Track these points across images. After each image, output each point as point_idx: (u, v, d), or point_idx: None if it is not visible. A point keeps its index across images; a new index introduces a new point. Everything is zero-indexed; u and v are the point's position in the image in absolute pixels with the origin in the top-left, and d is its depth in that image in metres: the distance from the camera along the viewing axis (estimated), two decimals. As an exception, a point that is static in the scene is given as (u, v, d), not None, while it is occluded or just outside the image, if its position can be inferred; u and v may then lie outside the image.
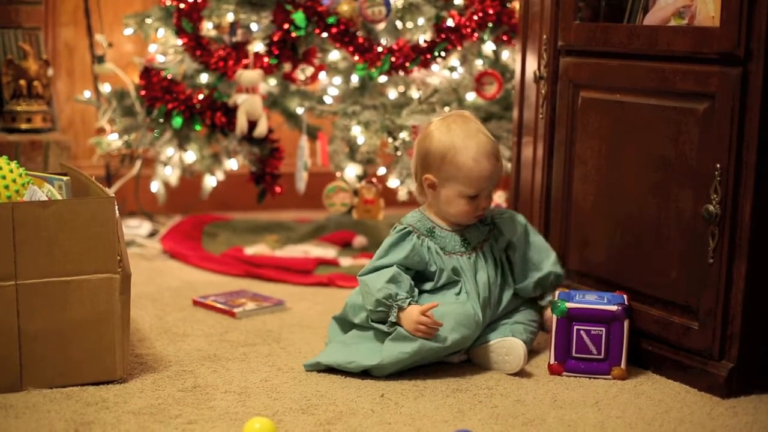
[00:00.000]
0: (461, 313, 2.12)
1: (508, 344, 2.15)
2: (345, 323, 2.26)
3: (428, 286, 2.21)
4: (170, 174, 3.36)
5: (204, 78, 3.23)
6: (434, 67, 3.14)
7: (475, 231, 2.25)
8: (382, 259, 2.18)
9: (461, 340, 2.12)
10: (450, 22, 3.11)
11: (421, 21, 3.13)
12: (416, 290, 2.17)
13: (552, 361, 2.15)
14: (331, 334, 2.29)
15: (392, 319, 2.11)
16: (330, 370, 2.14)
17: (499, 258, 2.26)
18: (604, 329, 2.12)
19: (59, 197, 2.16)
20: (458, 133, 2.17)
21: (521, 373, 2.14)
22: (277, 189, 3.27)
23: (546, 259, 2.30)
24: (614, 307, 2.12)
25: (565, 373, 2.14)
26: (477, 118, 2.27)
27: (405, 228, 2.22)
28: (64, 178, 2.22)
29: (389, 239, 2.21)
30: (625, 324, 2.11)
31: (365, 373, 2.11)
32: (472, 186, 2.16)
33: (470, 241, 2.23)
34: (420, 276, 2.21)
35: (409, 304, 2.11)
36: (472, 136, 2.17)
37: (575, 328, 2.13)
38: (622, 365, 2.12)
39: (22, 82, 3.29)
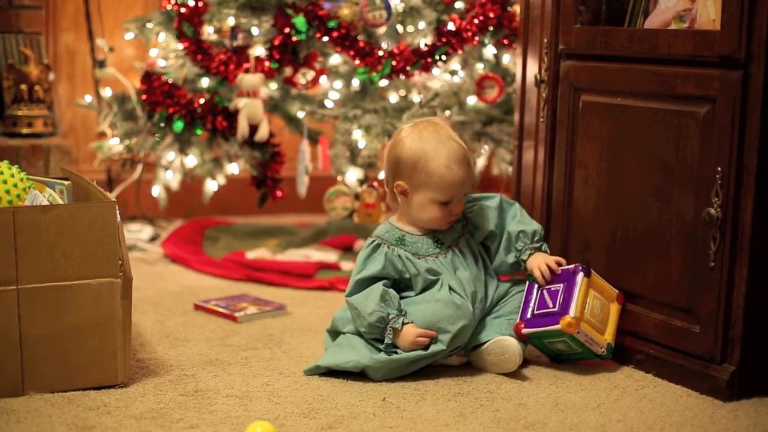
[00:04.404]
0: (448, 313, 2.12)
1: (501, 344, 2.15)
2: (337, 335, 2.26)
3: (411, 293, 2.21)
4: (171, 178, 3.36)
5: (205, 82, 3.24)
6: (435, 70, 3.14)
7: (448, 230, 2.25)
8: (361, 273, 2.18)
9: (454, 338, 2.12)
10: (451, 26, 3.11)
11: (421, 25, 3.13)
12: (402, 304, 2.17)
13: (519, 324, 2.19)
14: (327, 345, 2.29)
15: (388, 341, 2.11)
16: (331, 374, 2.14)
17: (478, 251, 2.26)
18: (562, 285, 2.19)
19: (60, 202, 2.16)
20: (430, 140, 2.17)
21: (522, 377, 2.14)
22: (278, 193, 3.27)
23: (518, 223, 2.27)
24: (573, 267, 2.21)
25: (524, 330, 2.16)
26: (448, 124, 2.27)
27: (374, 240, 2.22)
28: (65, 182, 2.22)
29: (362, 253, 2.22)
30: (579, 276, 2.17)
31: (367, 377, 2.11)
32: (444, 192, 2.17)
33: (443, 241, 2.24)
34: (400, 285, 2.21)
35: (402, 323, 2.11)
36: (443, 142, 2.17)
37: (542, 291, 2.21)
38: (571, 313, 2.13)
39: (23, 86, 3.29)
